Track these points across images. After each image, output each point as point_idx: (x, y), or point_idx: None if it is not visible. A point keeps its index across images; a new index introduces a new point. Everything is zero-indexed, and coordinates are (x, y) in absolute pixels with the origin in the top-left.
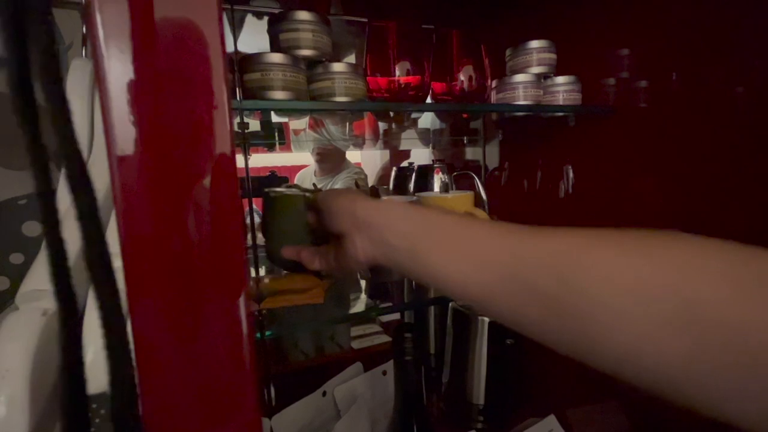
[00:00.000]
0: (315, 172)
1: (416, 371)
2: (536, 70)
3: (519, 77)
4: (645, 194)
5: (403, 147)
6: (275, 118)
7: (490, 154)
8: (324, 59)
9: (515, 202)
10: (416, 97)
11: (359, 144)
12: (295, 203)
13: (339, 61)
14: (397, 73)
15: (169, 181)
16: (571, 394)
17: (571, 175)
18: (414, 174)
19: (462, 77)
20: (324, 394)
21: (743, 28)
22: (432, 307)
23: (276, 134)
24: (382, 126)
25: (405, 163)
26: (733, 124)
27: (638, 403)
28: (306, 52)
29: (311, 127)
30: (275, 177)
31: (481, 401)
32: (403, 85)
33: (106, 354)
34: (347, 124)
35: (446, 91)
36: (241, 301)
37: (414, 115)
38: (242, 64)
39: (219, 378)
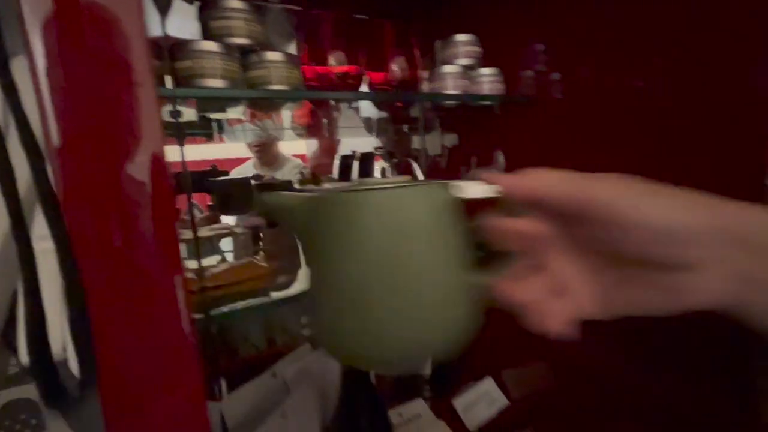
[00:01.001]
0: (254, 165)
1: None
2: (463, 62)
3: (448, 68)
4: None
5: (345, 136)
6: (211, 110)
7: (432, 143)
8: (258, 48)
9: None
10: (351, 86)
11: (302, 134)
12: (434, 206)
13: (278, 50)
14: (332, 62)
15: (98, 167)
16: (505, 358)
17: (501, 160)
18: (355, 162)
19: (395, 68)
20: (274, 374)
21: (646, 25)
22: None
23: (214, 124)
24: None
25: (349, 152)
26: (639, 114)
27: (565, 363)
28: (239, 40)
29: (251, 118)
30: (217, 171)
31: (427, 371)
32: (338, 75)
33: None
34: (289, 114)
35: (382, 81)
36: (176, 279)
37: (354, 105)
38: (173, 51)
39: (163, 348)
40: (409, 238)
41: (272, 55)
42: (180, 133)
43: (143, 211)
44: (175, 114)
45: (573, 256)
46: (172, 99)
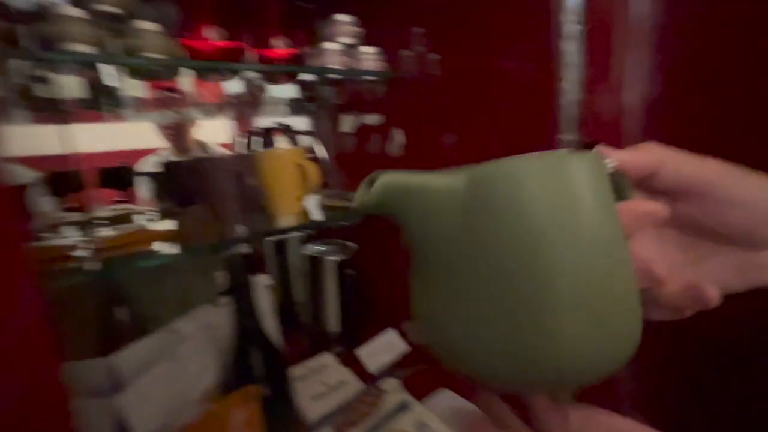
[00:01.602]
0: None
1: (248, 298)
2: (345, 40)
3: (330, 45)
4: (451, 149)
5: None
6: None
7: (347, 123)
8: (128, 15)
9: (360, 161)
10: (233, 61)
11: (211, 113)
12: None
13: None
14: (213, 37)
15: None
16: (405, 310)
17: (399, 138)
18: (259, 137)
19: (278, 44)
20: (172, 331)
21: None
22: (276, 253)
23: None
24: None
25: (256, 128)
26: (506, 90)
27: None
28: (108, 8)
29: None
30: (128, 169)
31: (336, 329)
32: (220, 49)
33: None
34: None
35: (266, 57)
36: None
37: (257, 82)
38: (37, 15)
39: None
40: (598, 213)
41: (146, 24)
42: (53, 107)
43: None
44: (38, 80)
45: (660, 231)
46: (35, 64)
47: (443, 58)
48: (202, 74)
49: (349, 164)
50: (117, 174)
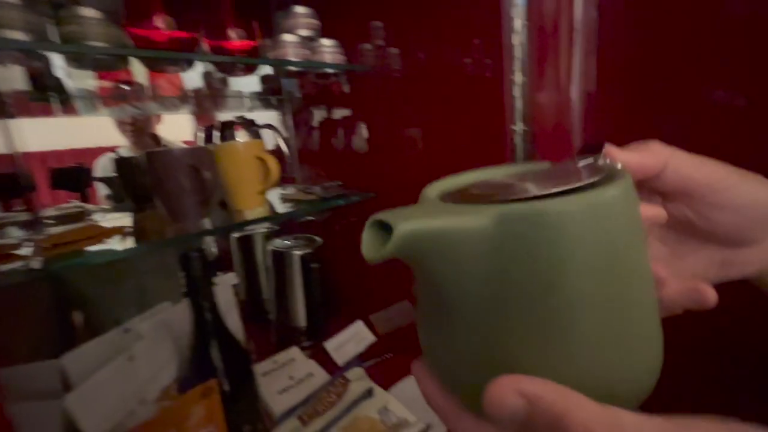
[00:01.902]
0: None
1: (207, 295)
2: (302, 32)
3: (288, 37)
4: (414, 142)
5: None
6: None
7: (319, 116)
8: (70, 1)
9: (324, 154)
10: (184, 51)
11: (170, 107)
12: (634, 200)
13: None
14: (162, 26)
15: None
16: (371, 302)
17: (363, 132)
18: (219, 131)
19: (233, 35)
20: (126, 330)
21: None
22: (242, 250)
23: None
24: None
25: (216, 122)
26: (463, 84)
27: None
28: None
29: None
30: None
31: (303, 323)
32: (171, 39)
33: None
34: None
35: (222, 48)
36: None
37: (218, 75)
38: None
39: None
40: (628, 248)
41: (87, 11)
42: None
43: None
44: None
45: (656, 228)
46: None
47: (402, 51)
48: (153, 65)
49: (314, 158)
50: (71, 174)
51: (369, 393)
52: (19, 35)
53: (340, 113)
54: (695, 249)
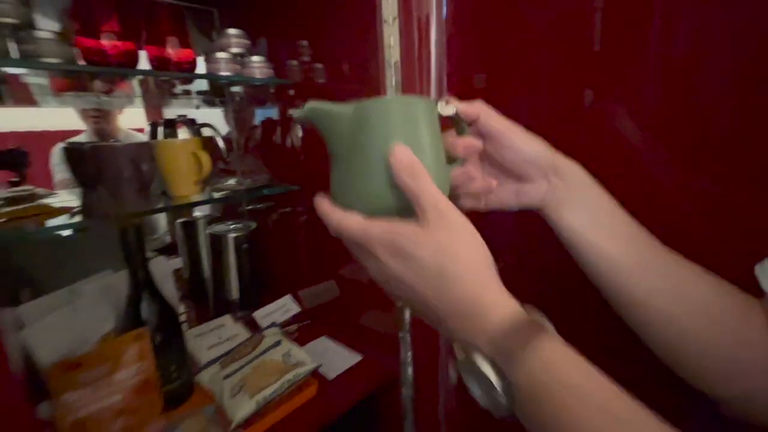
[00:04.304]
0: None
1: (142, 263)
2: (234, 50)
3: (221, 54)
4: None
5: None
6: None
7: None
8: (26, 26)
9: (265, 149)
10: (126, 63)
11: (122, 103)
12: (432, 110)
13: (50, 27)
14: (105, 39)
15: None
16: (302, 281)
17: (298, 133)
18: (164, 127)
19: (170, 49)
20: (72, 291)
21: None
22: (186, 235)
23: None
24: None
25: (162, 119)
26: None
27: (348, 279)
28: (6, 20)
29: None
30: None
31: (236, 296)
32: (113, 51)
33: None
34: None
35: (162, 60)
36: None
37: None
38: None
39: None
40: (419, 127)
41: (42, 33)
42: None
43: None
44: None
45: (481, 161)
46: None
47: (325, 66)
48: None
49: (257, 153)
50: (9, 155)
51: (277, 343)
52: None
53: (276, 113)
54: (501, 181)
